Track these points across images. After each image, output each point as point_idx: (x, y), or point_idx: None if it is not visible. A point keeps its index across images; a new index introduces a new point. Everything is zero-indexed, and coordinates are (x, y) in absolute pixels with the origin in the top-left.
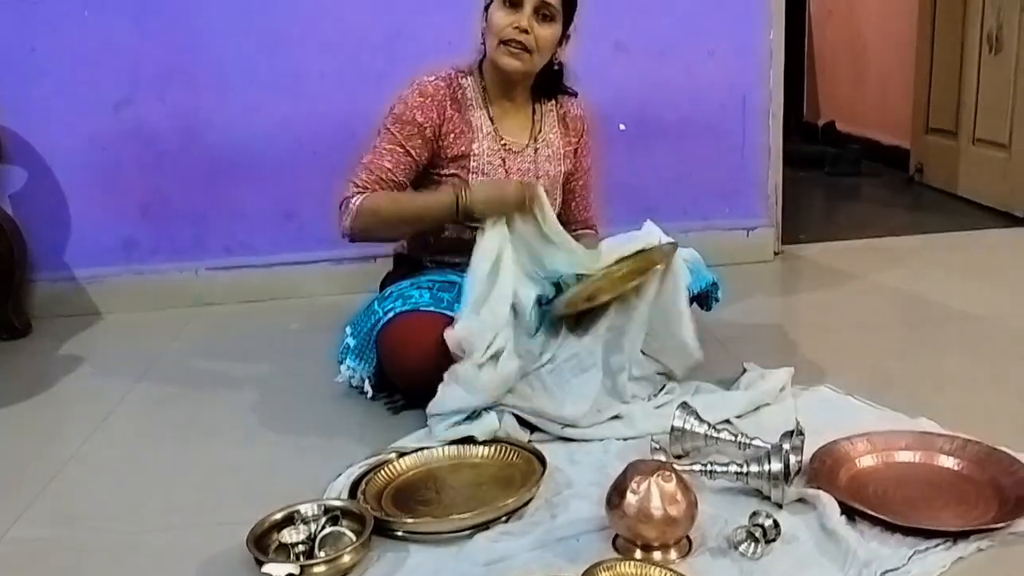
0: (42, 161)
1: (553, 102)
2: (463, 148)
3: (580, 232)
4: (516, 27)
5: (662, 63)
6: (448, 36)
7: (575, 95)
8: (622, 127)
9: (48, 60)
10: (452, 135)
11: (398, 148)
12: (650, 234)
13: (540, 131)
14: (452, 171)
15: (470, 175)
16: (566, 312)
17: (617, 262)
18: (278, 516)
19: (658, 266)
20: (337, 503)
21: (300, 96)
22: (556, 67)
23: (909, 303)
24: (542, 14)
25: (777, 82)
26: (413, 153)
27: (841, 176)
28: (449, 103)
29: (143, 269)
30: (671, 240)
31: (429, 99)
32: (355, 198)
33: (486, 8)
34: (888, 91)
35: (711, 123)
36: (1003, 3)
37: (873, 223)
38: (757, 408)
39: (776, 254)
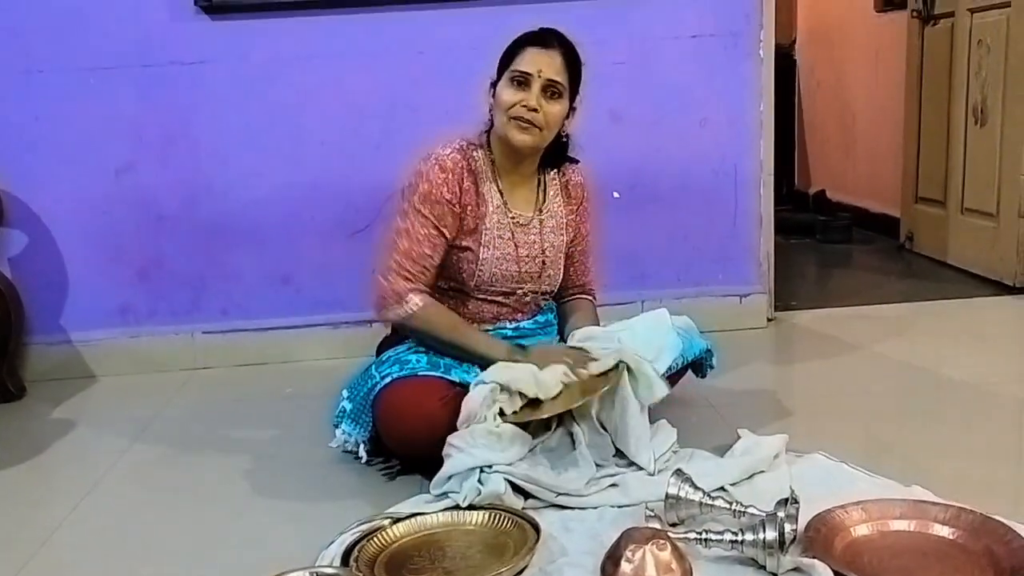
0: (42, 225)
1: (556, 172)
2: (477, 222)
3: (576, 297)
4: (525, 106)
5: (655, 132)
6: (445, 107)
7: (576, 162)
8: (616, 195)
9: (52, 127)
10: (469, 207)
11: (433, 231)
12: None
13: (545, 202)
14: (464, 244)
15: (481, 248)
16: (514, 420)
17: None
18: None
19: (599, 391)
20: (329, 570)
21: (298, 163)
22: (564, 139)
23: (901, 370)
24: (550, 92)
25: (768, 151)
26: (446, 233)
27: (832, 244)
28: (466, 175)
29: (139, 332)
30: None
31: (450, 174)
32: (415, 296)
33: (493, 85)
34: (877, 161)
35: (703, 191)
36: (987, 77)
37: (865, 290)
38: (752, 475)
39: (769, 320)
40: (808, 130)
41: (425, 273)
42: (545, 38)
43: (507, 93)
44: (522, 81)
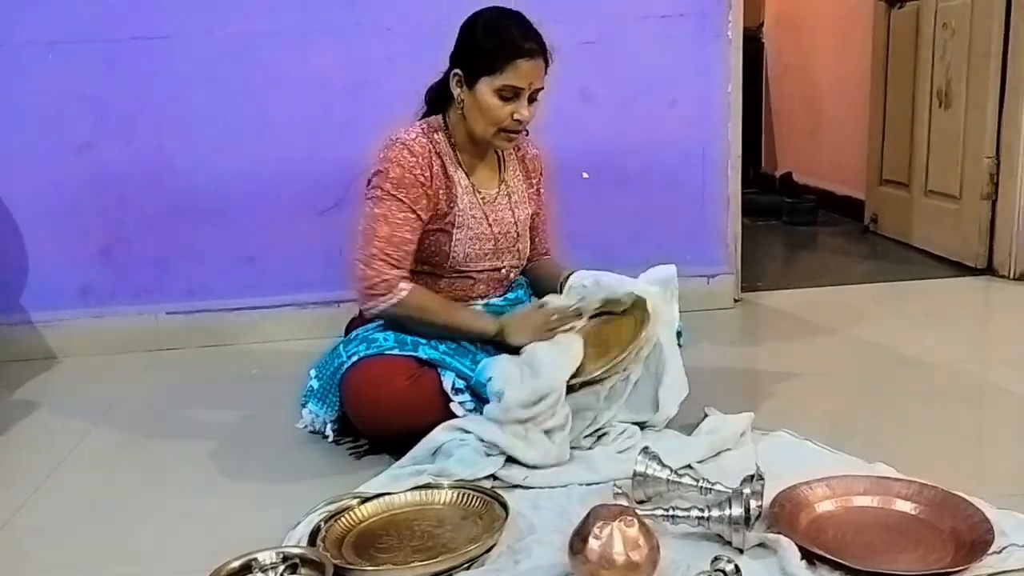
0: (1, 204)
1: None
2: (448, 204)
3: (542, 257)
4: (517, 118)
5: (625, 113)
6: (413, 85)
7: (527, 133)
8: (585, 175)
9: (10, 103)
10: (440, 190)
11: (410, 215)
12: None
13: (506, 176)
14: (438, 226)
15: (455, 229)
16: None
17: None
18: (235, 564)
19: (636, 343)
20: (296, 550)
21: (264, 141)
22: None
23: (865, 350)
24: (534, 97)
25: (736, 133)
26: (423, 216)
27: (798, 226)
28: (433, 158)
29: (102, 312)
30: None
31: (420, 157)
32: (403, 283)
33: (461, 78)
34: (843, 144)
35: (672, 172)
36: (951, 61)
37: (830, 271)
38: (718, 453)
39: (736, 301)
40: (775, 113)
41: (407, 258)
42: (529, 48)
43: (496, 106)
44: (512, 95)
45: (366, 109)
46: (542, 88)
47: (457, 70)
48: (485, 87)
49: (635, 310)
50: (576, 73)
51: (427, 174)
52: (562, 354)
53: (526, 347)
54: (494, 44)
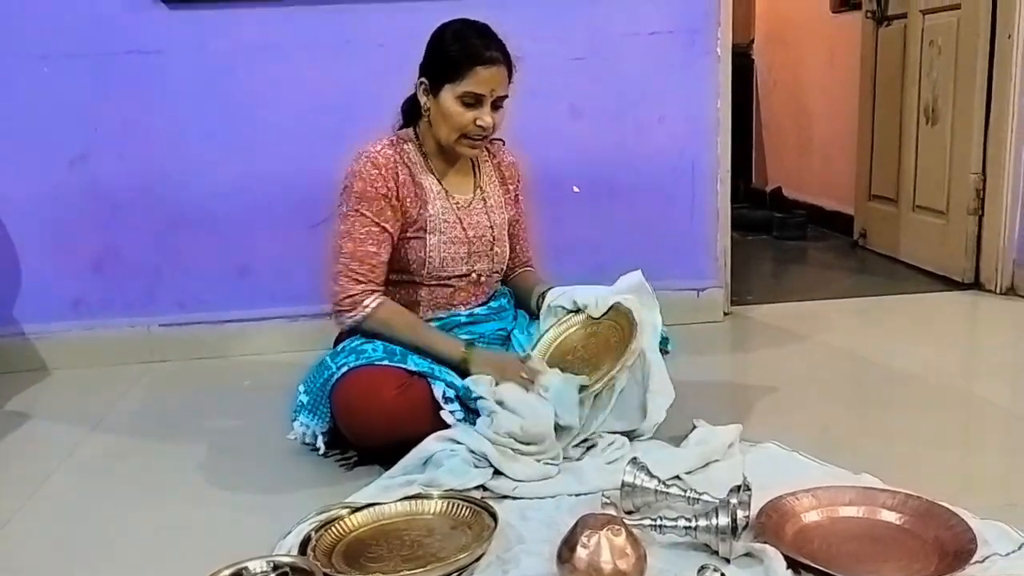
0: None
1: (485, 151)
2: (419, 211)
3: (524, 269)
4: (480, 125)
5: (614, 128)
6: (401, 99)
7: (502, 141)
8: (576, 189)
9: (4, 116)
10: (408, 199)
11: (374, 228)
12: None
13: (480, 182)
14: (411, 235)
15: (428, 235)
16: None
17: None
18: (226, 573)
19: (628, 355)
20: (286, 559)
21: (256, 155)
22: None
23: (853, 363)
24: (496, 104)
25: (725, 148)
26: (388, 228)
27: (788, 240)
28: (399, 168)
29: (93, 324)
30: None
31: (383, 168)
32: (368, 298)
33: (424, 85)
34: (832, 159)
35: (662, 186)
36: (938, 78)
37: (819, 286)
38: (706, 464)
39: (726, 314)
40: (765, 129)
41: (374, 271)
42: (490, 56)
43: (458, 113)
44: (474, 101)
45: (357, 124)
46: (506, 96)
47: (423, 79)
48: (448, 94)
49: (617, 319)
50: (566, 88)
51: (390, 185)
52: (536, 400)
53: (496, 387)
54: (456, 52)
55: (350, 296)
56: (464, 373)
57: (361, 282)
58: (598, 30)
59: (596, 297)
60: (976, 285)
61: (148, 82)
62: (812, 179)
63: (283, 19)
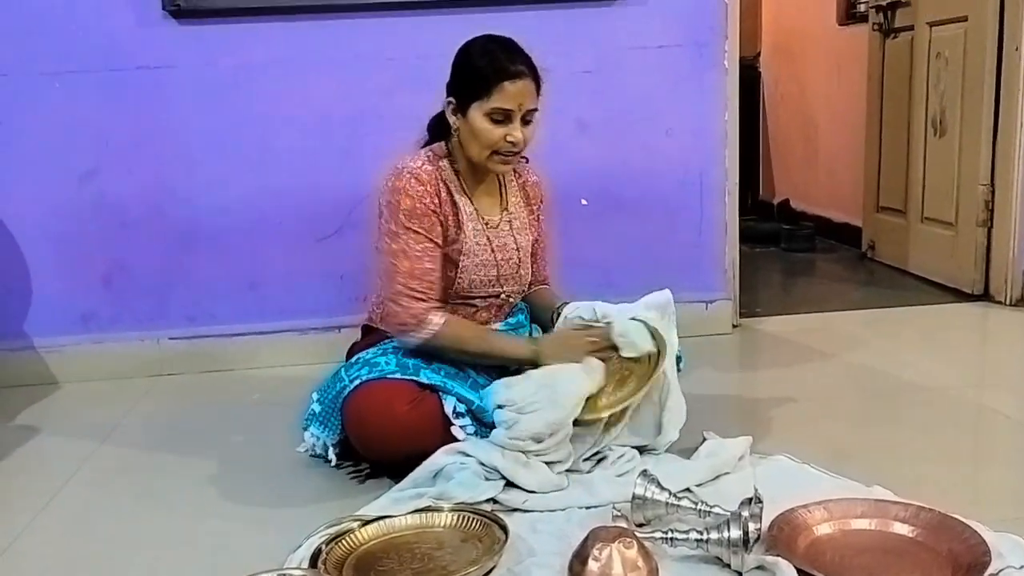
0: (4, 230)
1: (512, 171)
2: (456, 231)
3: (541, 286)
4: (510, 141)
5: (622, 141)
6: (413, 114)
7: (527, 160)
8: (584, 202)
9: (15, 132)
10: (449, 218)
11: (428, 244)
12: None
13: (507, 203)
14: (445, 254)
15: (461, 256)
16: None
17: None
18: None
19: (654, 379)
20: (297, 572)
21: (265, 169)
22: None
23: (863, 375)
24: (526, 118)
25: (733, 161)
26: (439, 243)
27: (796, 252)
28: (441, 186)
29: (103, 338)
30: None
31: (428, 185)
32: (434, 315)
33: (452, 104)
34: (839, 171)
35: (670, 200)
36: (946, 89)
37: (827, 298)
38: (717, 476)
39: (735, 327)
40: (772, 141)
41: (433, 288)
42: (517, 69)
43: (488, 128)
44: (503, 117)
45: (366, 139)
46: (535, 109)
47: (451, 98)
48: (476, 112)
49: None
50: (573, 102)
51: (436, 201)
52: (582, 377)
53: (550, 367)
54: (482, 69)
55: (414, 315)
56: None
57: (423, 300)
58: (605, 44)
59: (617, 310)
60: (986, 296)
61: (158, 98)
62: (820, 191)
63: (292, 34)
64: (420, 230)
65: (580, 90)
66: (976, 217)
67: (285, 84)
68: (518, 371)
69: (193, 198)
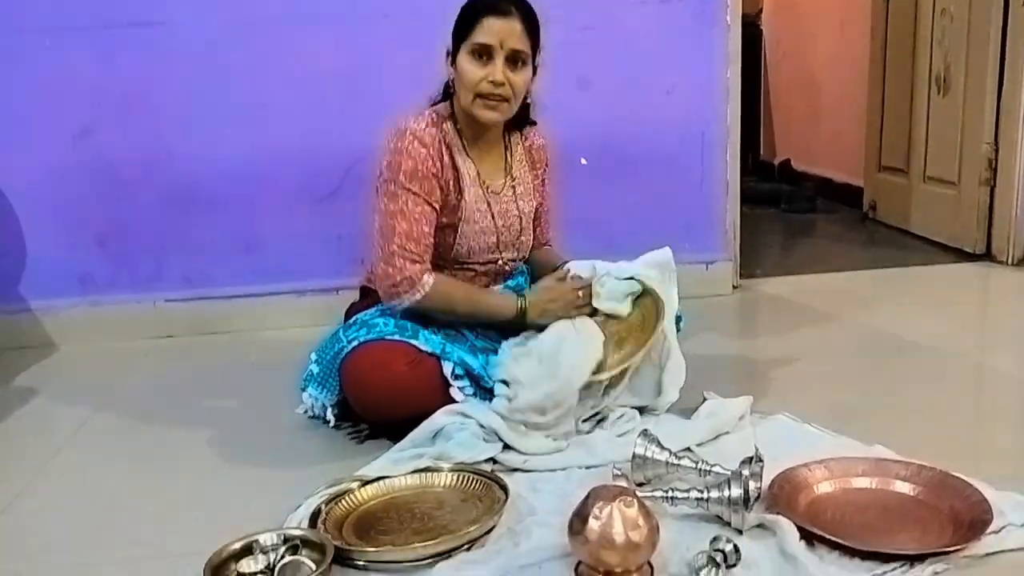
0: None
1: (519, 134)
2: (456, 196)
3: (542, 247)
4: (491, 81)
5: (623, 99)
6: (410, 72)
7: (534, 123)
8: (583, 161)
9: (7, 91)
10: (451, 182)
11: (427, 208)
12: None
13: (512, 168)
14: (445, 220)
15: (461, 223)
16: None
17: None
18: (236, 546)
19: (654, 337)
20: (297, 532)
21: (262, 128)
22: (527, 102)
23: (864, 335)
24: (514, 61)
25: (734, 119)
26: (437, 207)
27: (797, 213)
28: (443, 149)
29: (100, 300)
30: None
31: (430, 148)
32: (425, 276)
33: (451, 55)
34: (841, 131)
35: (670, 158)
36: (950, 46)
37: (828, 258)
38: (717, 436)
39: (735, 287)
40: (774, 101)
41: (428, 251)
42: (502, 5)
43: (470, 68)
44: (484, 54)
45: (364, 96)
46: (524, 52)
47: (448, 49)
48: (463, 53)
49: (642, 300)
50: (574, 59)
51: (438, 165)
52: (584, 351)
53: (551, 330)
54: (471, 6)
55: (407, 277)
56: (523, 326)
57: (418, 262)
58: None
59: (617, 268)
60: (988, 256)
61: (152, 55)
62: (821, 151)
63: None
64: (420, 192)
65: (581, 47)
66: (979, 176)
67: (280, 41)
68: (516, 331)
69: (189, 158)
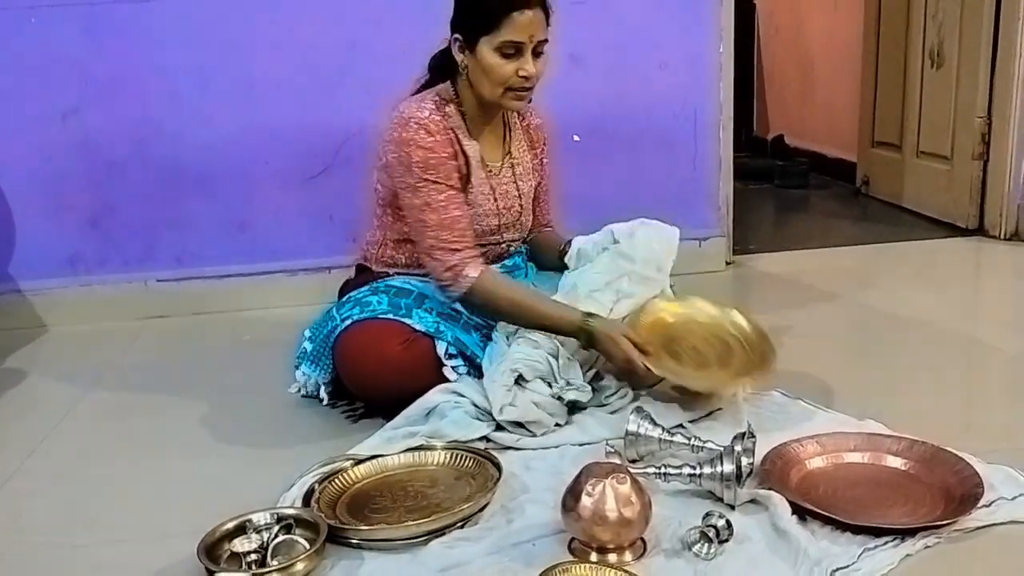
0: None
1: (516, 113)
2: (462, 182)
3: (543, 229)
4: (524, 76)
5: (615, 75)
6: (402, 48)
7: (530, 101)
8: (576, 138)
9: None
10: (460, 169)
11: (450, 191)
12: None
13: (511, 147)
14: None
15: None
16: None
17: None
18: (230, 525)
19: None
20: (290, 511)
21: (253, 106)
22: None
23: (856, 310)
24: (537, 50)
25: (727, 95)
26: (460, 188)
27: (790, 188)
28: (451, 135)
29: (90, 281)
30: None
31: (437, 135)
32: (468, 268)
33: (460, 41)
34: (834, 106)
35: (664, 134)
36: (944, 20)
37: (821, 234)
38: (710, 412)
39: (728, 264)
40: (767, 76)
41: (465, 234)
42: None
43: (499, 63)
44: (513, 51)
45: (354, 72)
46: (545, 40)
47: (457, 35)
48: (486, 47)
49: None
50: (566, 35)
51: (448, 149)
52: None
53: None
54: (488, 1)
55: (449, 268)
56: (589, 344)
57: (457, 250)
58: None
59: (629, 228)
60: (980, 231)
61: (139, 32)
62: (814, 126)
63: None
64: (439, 180)
65: (573, 23)
66: (972, 150)
67: (271, 17)
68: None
69: (179, 136)
